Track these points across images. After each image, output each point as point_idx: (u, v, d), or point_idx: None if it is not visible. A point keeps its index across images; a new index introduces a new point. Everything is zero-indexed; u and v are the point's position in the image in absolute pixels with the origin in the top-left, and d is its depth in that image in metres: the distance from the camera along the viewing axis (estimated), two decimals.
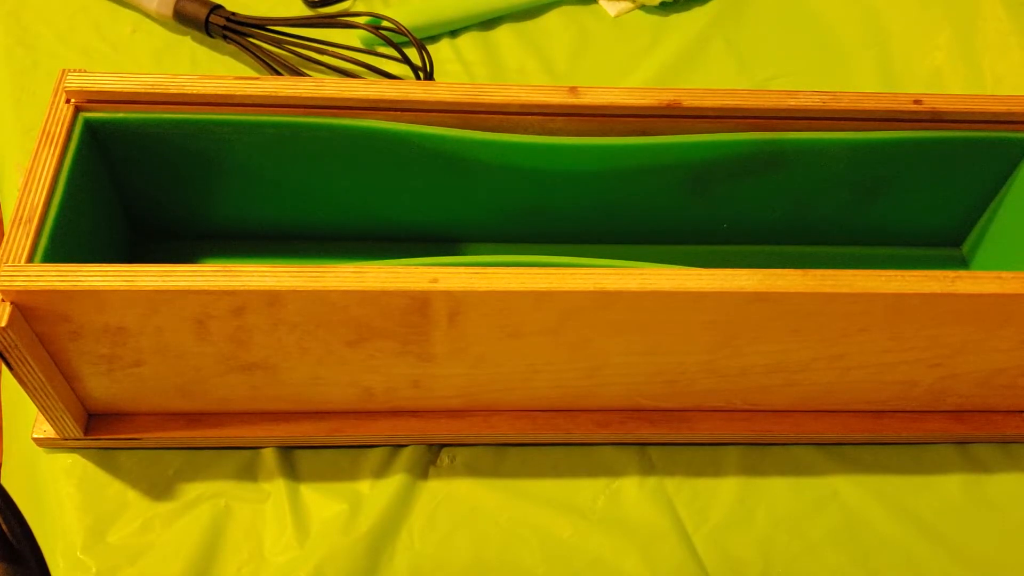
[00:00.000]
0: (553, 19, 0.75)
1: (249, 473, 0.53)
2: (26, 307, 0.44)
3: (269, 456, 0.54)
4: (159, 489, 0.52)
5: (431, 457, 0.55)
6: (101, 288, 0.44)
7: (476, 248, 0.60)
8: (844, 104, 0.54)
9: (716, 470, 0.55)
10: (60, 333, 0.46)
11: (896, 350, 0.51)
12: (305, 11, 0.74)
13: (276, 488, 0.53)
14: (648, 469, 0.55)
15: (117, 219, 0.56)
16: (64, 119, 0.50)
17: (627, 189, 0.57)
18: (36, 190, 0.47)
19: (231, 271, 0.45)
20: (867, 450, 0.57)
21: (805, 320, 0.48)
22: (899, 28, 0.77)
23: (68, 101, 0.50)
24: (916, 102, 0.54)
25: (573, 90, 0.53)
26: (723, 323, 0.48)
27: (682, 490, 0.55)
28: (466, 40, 0.73)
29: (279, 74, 0.67)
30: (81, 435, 0.52)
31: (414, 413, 0.54)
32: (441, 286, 0.45)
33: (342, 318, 0.46)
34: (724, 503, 0.54)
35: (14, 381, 0.47)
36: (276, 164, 0.54)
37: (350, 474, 0.54)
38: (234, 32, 0.68)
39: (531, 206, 0.58)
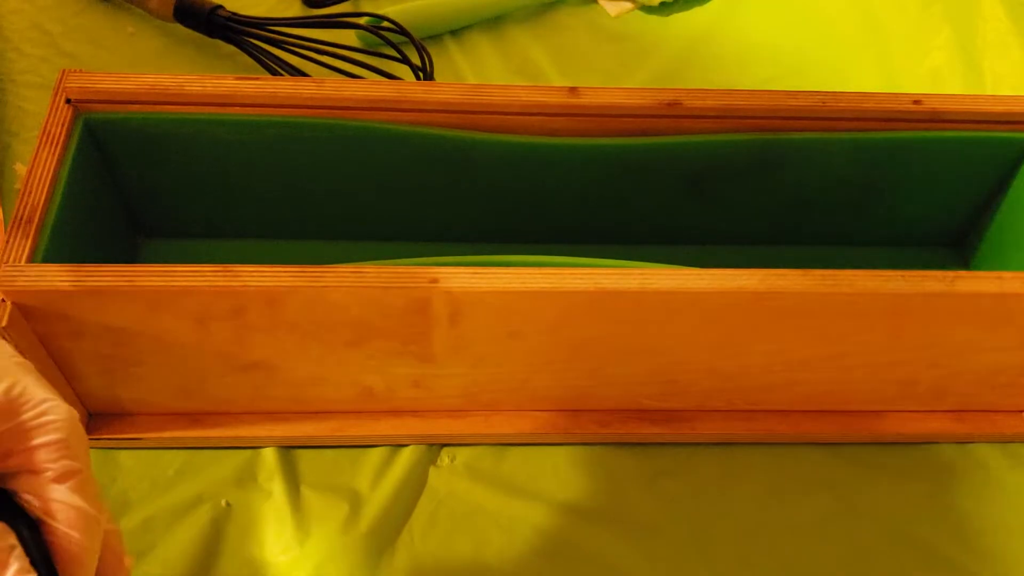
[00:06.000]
0: (553, 19, 0.75)
1: (249, 473, 0.53)
2: (26, 307, 0.44)
3: (269, 456, 0.54)
4: (159, 489, 0.52)
5: (431, 457, 0.55)
6: (101, 288, 0.44)
7: (476, 248, 0.60)
8: (844, 104, 0.54)
9: (716, 470, 0.55)
10: (60, 333, 0.46)
11: (896, 350, 0.51)
12: (305, 11, 0.74)
13: (276, 488, 0.53)
14: (648, 469, 0.55)
15: (117, 219, 0.56)
16: (64, 119, 0.50)
17: (627, 189, 0.57)
18: (36, 190, 0.47)
19: (231, 271, 0.45)
20: (867, 450, 0.57)
21: (805, 320, 0.48)
22: (899, 28, 0.77)
23: (68, 101, 0.50)
24: (916, 102, 0.54)
25: (573, 90, 0.53)
26: (723, 323, 0.48)
27: (682, 490, 0.55)
28: (467, 40, 0.73)
29: (279, 74, 0.67)
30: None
31: (414, 413, 0.54)
32: (441, 286, 0.45)
33: (342, 318, 0.46)
34: (724, 503, 0.54)
35: None
36: (276, 164, 0.54)
37: (350, 474, 0.54)
38: (234, 32, 0.68)
39: (531, 206, 0.58)
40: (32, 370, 0.33)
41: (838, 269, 0.47)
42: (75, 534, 0.32)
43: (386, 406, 0.54)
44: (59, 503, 0.32)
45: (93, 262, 0.45)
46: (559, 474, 0.55)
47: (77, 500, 0.32)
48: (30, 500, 0.32)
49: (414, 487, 0.54)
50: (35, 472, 0.32)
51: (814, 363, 0.52)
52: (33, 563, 0.31)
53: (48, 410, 0.32)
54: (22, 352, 0.45)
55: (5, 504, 0.32)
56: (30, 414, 0.32)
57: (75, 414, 0.33)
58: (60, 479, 0.32)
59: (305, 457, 0.54)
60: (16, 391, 0.32)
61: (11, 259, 0.45)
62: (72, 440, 0.33)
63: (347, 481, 0.53)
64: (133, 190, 0.55)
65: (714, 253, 0.61)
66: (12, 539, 0.31)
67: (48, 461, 0.32)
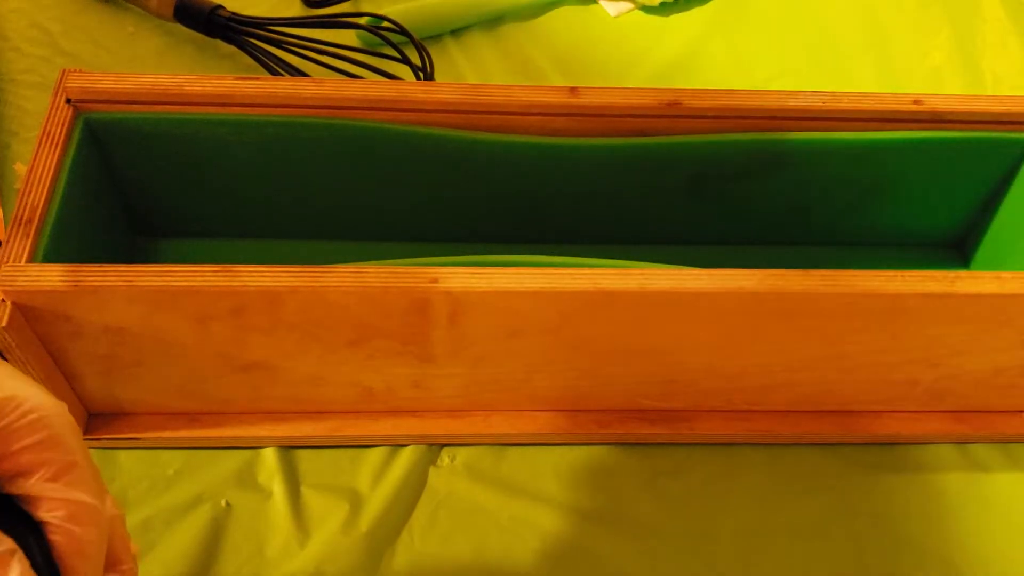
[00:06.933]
0: (553, 19, 0.76)
1: (249, 473, 0.53)
2: (26, 307, 0.44)
3: (269, 456, 0.54)
4: (159, 489, 0.52)
5: (431, 457, 0.55)
6: (101, 288, 0.44)
7: (476, 248, 0.60)
8: (844, 104, 0.54)
9: (716, 470, 0.55)
10: (60, 333, 0.46)
11: (896, 350, 0.51)
12: (305, 11, 0.74)
13: (276, 488, 0.53)
14: (648, 469, 0.55)
15: (117, 219, 0.56)
16: (64, 119, 0.50)
17: (627, 189, 0.57)
18: (36, 190, 0.47)
19: (231, 271, 0.45)
20: (867, 450, 0.57)
21: (805, 320, 0.48)
22: (898, 28, 0.78)
23: (68, 101, 0.50)
24: (916, 102, 0.54)
25: (573, 90, 0.53)
26: (723, 323, 0.48)
27: (682, 490, 0.55)
28: (466, 40, 0.73)
29: (279, 74, 0.67)
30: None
31: (414, 413, 0.54)
32: (441, 286, 0.45)
33: (342, 318, 0.46)
34: (724, 503, 0.54)
35: None
36: (276, 164, 0.54)
37: (350, 474, 0.54)
38: (234, 32, 0.68)
39: (531, 206, 0.58)
40: (14, 370, 0.33)
41: (838, 269, 0.47)
42: (77, 529, 0.31)
43: (386, 406, 0.54)
44: (56, 500, 0.31)
45: (93, 262, 0.45)
46: (559, 474, 0.55)
47: (75, 494, 0.32)
48: (29, 502, 0.31)
49: (414, 487, 0.54)
50: (29, 473, 0.31)
51: (814, 363, 0.52)
52: (36, 567, 0.31)
53: (33, 407, 0.32)
54: (22, 351, 0.45)
55: (6, 509, 0.32)
56: (15, 415, 0.31)
57: (63, 406, 0.33)
58: (54, 476, 0.31)
59: (305, 457, 0.54)
60: None
61: (11, 259, 0.45)
62: (63, 433, 0.32)
63: (347, 481, 0.53)
64: (133, 190, 0.55)
65: (714, 253, 0.61)
66: (11, 543, 0.30)
67: (39, 460, 0.31)
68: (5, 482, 0.32)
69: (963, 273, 0.48)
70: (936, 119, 0.55)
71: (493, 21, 0.75)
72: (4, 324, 0.43)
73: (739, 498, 0.55)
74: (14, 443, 0.31)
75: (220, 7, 0.68)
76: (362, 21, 0.69)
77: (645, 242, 0.61)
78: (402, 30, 0.67)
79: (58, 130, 0.49)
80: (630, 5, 0.77)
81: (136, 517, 0.51)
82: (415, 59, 0.69)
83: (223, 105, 0.51)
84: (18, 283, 0.44)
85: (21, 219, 0.46)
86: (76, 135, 0.50)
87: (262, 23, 0.68)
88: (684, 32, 0.76)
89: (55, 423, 0.32)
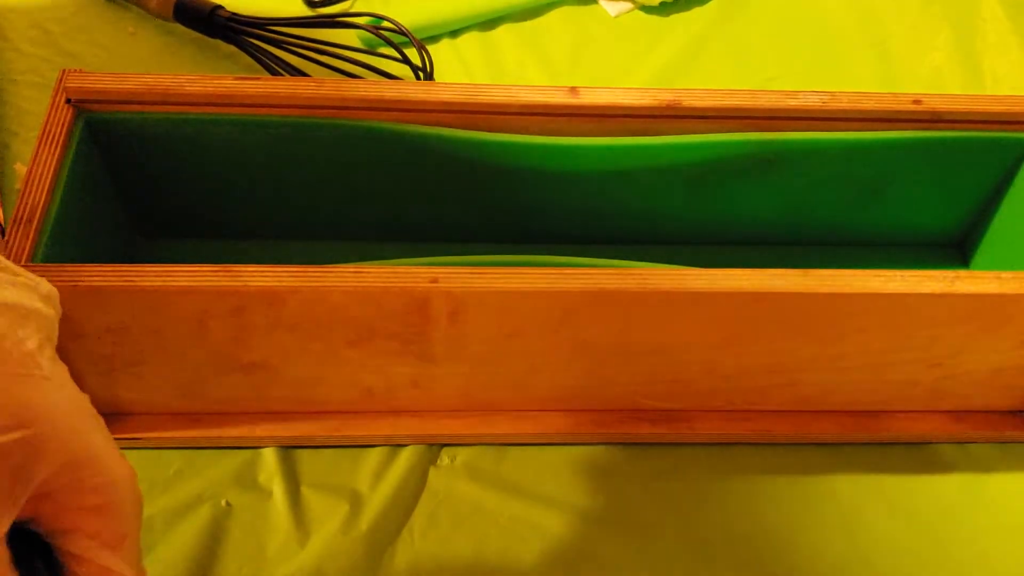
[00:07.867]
0: (553, 19, 0.76)
1: (249, 473, 0.53)
2: None
3: (269, 456, 0.54)
4: (159, 489, 0.52)
5: (431, 457, 0.55)
6: (101, 288, 0.44)
7: (476, 248, 0.60)
8: (843, 104, 0.54)
9: (716, 470, 0.55)
10: (60, 333, 0.46)
11: (896, 350, 0.51)
12: (305, 11, 0.74)
13: (276, 488, 0.53)
14: (647, 469, 0.55)
15: (117, 219, 0.56)
16: (64, 119, 0.50)
17: (627, 189, 0.57)
18: (36, 190, 0.47)
19: (231, 271, 0.45)
20: (867, 450, 0.57)
21: (805, 320, 0.48)
22: (898, 28, 0.78)
23: (68, 101, 0.50)
24: (916, 102, 0.54)
25: (573, 90, 0.53)
26: (723, 323, 0.48)
27: (681, 490, 0.55)
28: (466, 40, 0.73)
29: (279, 74, 0.67)
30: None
31: (414, 413, 0.54)
32: (441, 286, 0.45)
33: (342, 318, 0.46)
34: (724, 503, 0.54)
35: None
36: (276, 164, 0.54)
37: (350, 474, 0.54)
38: (234, 32, 0.68)
39: (531, 206, 0.58)
40: (101, 424, 0.33)
41: (838, 269, 0.47)
42: None
43: (386, 406, 0.54)
44: (97, 566, 0.31)
45: (93, 262, 0.45)
46: (559, 474, 0.55)
47: (119, 566, 0.31)
48: (69, 557, 0.31)
49: (414, 487, 0.54)
50: (78, 532, 0.31)
51: (814, 363, 0.52)
52: None
53: (104, 470, 0.31)
54: None
55: (30, 551, 0.31)
56: (86, 471, 0.31)
57: (133, 473, 0.33)
58: (105, 543, 0.31)
59: (305, 457, 0.54)
60: (80, 446, 0.31)
61: (11, 259, 0.45)
62: (123, 503, 0.32)
63: (347, 481, 0.53)
64: (133, 190, 0.55)
65: (714, 253, 0.61)
66: None
67: (94, 524, 0.31)
68: (51, 533, 0.31)
69: (963, 273, 0.48)
70: (936, 119, 0.55)
71: (493, 21, 0.75)
72: None
73: (739, 498, 0.55)
74: (76, 501, 0.31)
75: (220, 7, 0.68)
76: (362, 21, 0.69)
77: (645, 242, 0.61)
78: (402, 30, 0.68)
79: (58, 130, 0.49)
80: (630, 5, 0.77)
81: None
82: (415, 59, 0.69)
83: (223, 105, 0.51)
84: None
85: (21, 219, 0.46)
86: (76, 135, 0.50)
87: (262, 23, 0.68)
88: (684, 32, 0.76)
89: (121, 491, 0.32)
